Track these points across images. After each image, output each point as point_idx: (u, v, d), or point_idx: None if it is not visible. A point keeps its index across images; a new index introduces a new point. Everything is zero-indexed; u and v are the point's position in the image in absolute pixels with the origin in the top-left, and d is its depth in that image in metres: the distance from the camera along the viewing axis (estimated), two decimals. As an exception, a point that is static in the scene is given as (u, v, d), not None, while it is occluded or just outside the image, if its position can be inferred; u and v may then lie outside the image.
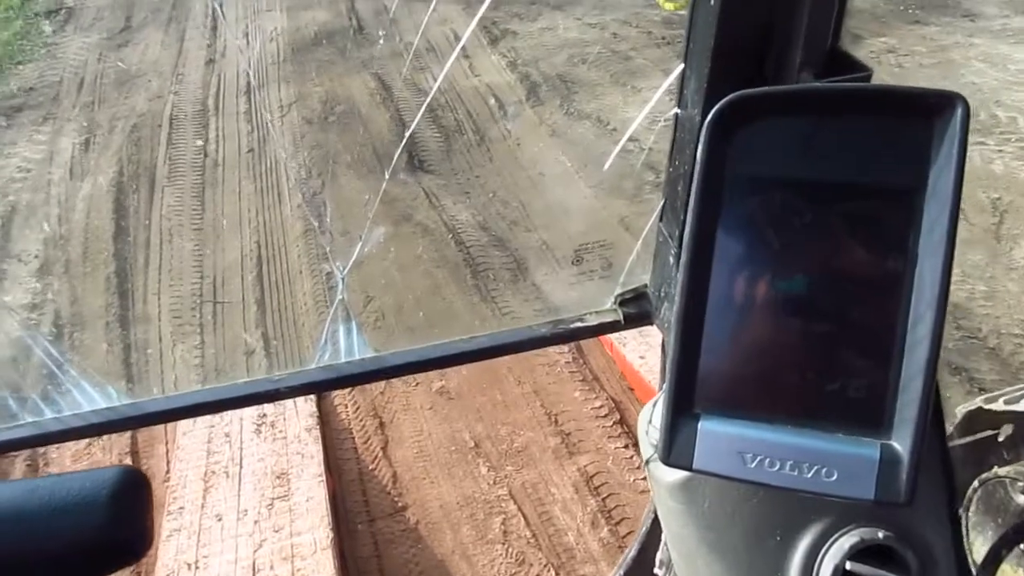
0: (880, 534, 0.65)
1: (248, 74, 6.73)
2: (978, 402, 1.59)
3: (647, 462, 0.81)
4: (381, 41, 7.15)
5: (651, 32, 7.01)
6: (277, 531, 2.91)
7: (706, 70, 0.80)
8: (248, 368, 3.93)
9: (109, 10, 8.03)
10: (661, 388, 1.03)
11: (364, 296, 4.23)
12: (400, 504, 3.23)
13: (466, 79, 6.47)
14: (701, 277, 0.58)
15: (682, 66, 0.87)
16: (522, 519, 3.15)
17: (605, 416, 3.54)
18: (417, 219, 4.85)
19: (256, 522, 2.95)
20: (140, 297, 4.40)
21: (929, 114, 0.56)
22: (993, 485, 1.39)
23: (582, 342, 3.89)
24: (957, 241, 0.54)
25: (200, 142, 5.80)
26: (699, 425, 0.58)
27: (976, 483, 1.40)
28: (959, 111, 0.54)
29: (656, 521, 1.35)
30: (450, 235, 4.72)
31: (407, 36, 7.25)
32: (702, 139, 0.58)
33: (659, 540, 1.23)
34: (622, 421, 3.51)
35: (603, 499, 3.22)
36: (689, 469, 0.58)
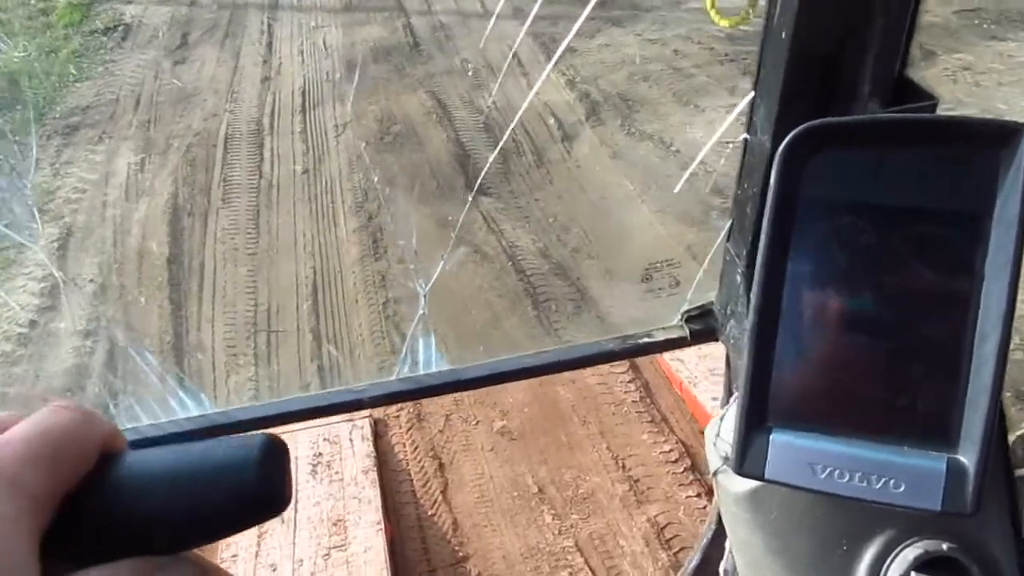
0: (944, 546, 0.66)
1: (303, 92, 6.66)
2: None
3: (715, 473, 0.84)
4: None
5: (713, 48, 6.81)
6: (334, 585, 2.78)
7: (776, 98, 0.84)
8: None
9: (166, 27, 8.03)
10: (724, 401, 1.14)
11: (422, 327, 4.10)
12: (461, 554, 3.08)
13: (523, 97, 6.33)
14: (774, 295, 0.61)
15: (752, 94, 0.91)
16: (590, 573, 2.98)
17: (675, 461, 3.35)
18: (475, 244, 4.71)
19: (312, 574, 2.82)
20: (194, 324, 4.31)
21: (995, 144, 0.57)
22: None
23: (650, 381, 3.71)
24: None
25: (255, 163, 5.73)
26: (771, 437, 0.60)
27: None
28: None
29: (717, 532, 1.41)
30: (510, 262, 4.57)
31: (464, 53, 7.13)
32: (776, 165, 0.60)
33: (721, 550, 1.28)
34: (693, 467, 3.32)
35: (675, 553, 3.03)
36: (761, 479, 0.60)
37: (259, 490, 0.41)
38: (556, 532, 3.12)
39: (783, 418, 0.61)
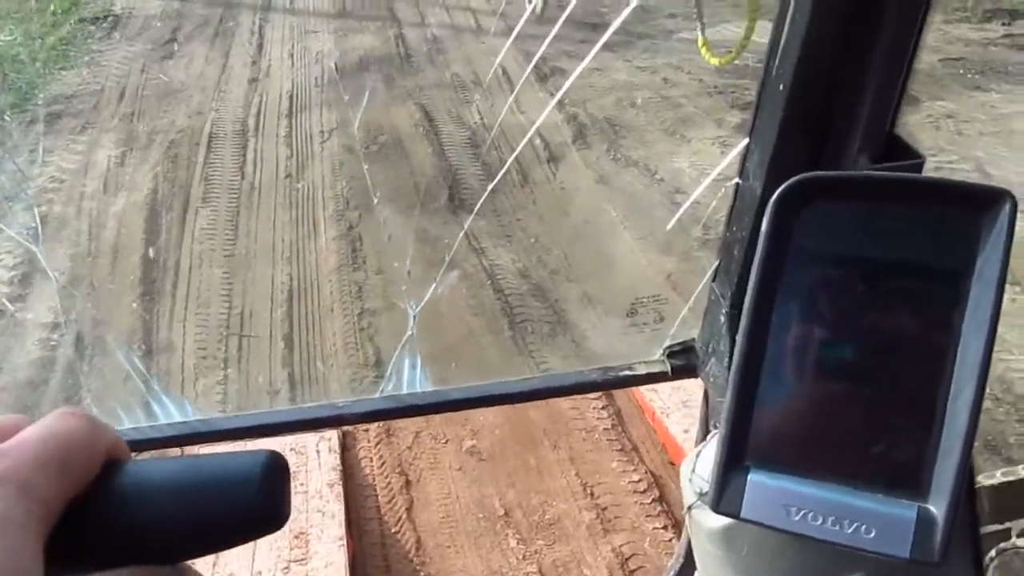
0: None
1: (291, 96, 6.62)
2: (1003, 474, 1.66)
3: (689, 508, 0.84)
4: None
5: (703, 79, 6.85)
6: (292, 599, 2.74)
7: (770, 148, 0.86)
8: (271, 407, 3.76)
9: (156, 20, 7.97)
10: (700, 438, 1.17)
11: (396, 341, 4.06)
12: (423, 574, 3.04)
13: (512, 116, 6.32)
14: (759, 337, 0.62)
15: (746, 140, 0.93)
16: (552, 602, 2.95)
17: (643, 492, 3.34)
18: (455, 261, 4.69)
19: (270, 587, 2.78)
20: (165, 323, 4.25)
21: (978, 206, 0.59)
22: (1011, 555, 1.44)
23: (623, 409, 3.69)
24: (1021, 326, 0.72)
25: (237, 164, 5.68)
26: (748, 477, 0.61)
27: (994, 552, 1.44)
28: (1006, 206, 0.58)
29: (684, 566, 1.40)
30: (488, 281, 4.55)
31: (454, 66, 7.13)
32: (768, 213, 0.62)
33: None
34: (661, 499, 3.31)
35: (639, 585, 3.02)
36: (737, 517, 0.61)
37: (260, 505, 0.42)
38: (520, 557, 3.09)
39: (761, 458, 0.62)
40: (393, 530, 3.20)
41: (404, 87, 6.77)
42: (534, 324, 4.26)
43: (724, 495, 0.62)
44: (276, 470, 0.42)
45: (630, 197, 5.32)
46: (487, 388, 1.24)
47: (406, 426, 3.59)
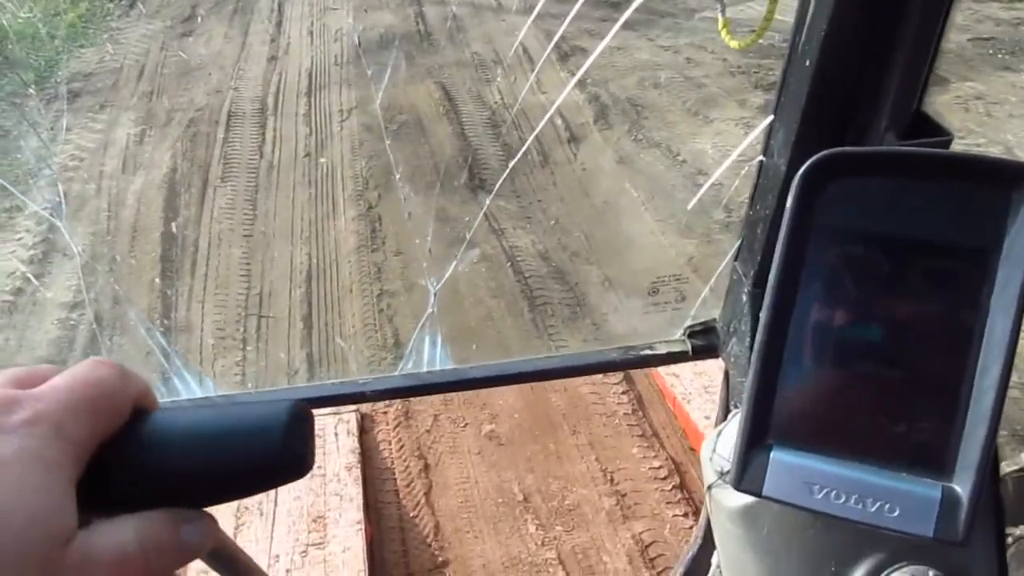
0: (930, 573, 0.67)
1: (310, 74, 6.57)
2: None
3: (709, 487, 0.84)
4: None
5: (726, 59, 6.75)
6: (310, 584, 2.72)
7: (795, 125, 0.85)
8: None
9: (175, -3, 7.94)
10: (720, 418, 1.17)
11: (415, 323, 4.03)
12: (441, 559, 3.02)
13: (533, 95, 6.26)
14: (783, 317, 0.62)
15: (771, 118, 0.92)
16: (570, 588, 2.92)
17: (664, 479, 3.30)
18: (474, 242, 4.65)
19: (288, 571, 2.76)
20: (184, 304, 4.24)
21: (1008, 183, 0.58)
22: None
23: (643, 394, 3.65)
24: None
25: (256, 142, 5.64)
26: (771, 455, 0.61)
27: (1010, 539, 1.37)
28: None
29: (702, 548, 1.42)
30: (508, 262, 4.51)
31: (474, 45, 7.06)
32: (793, 190, 0.61)
33: (705, 567, 1.29)
34: (682, 486, 3.27)
35: (658, 572, 2.98)
36: (759, 496, 0.61)
37: (285, 453, 0.43)
38: (539, 543, 3.07)
39: (784, 436, 0.62)
40: (411, 514, 3.18)
41: (424, 66, 6.72)
42: (554, 307, 4.22)
43: (746, 473, 0.62)
44: (300, 420, 0.43)
45: (651, 178, 5.26)
46: (506, 367, 1.25)
47: (425, 409, 3.57)
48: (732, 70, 6.60)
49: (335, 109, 6.06)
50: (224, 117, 5.93)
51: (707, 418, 3.35)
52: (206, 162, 5.39)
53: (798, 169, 0.61)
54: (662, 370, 3.61)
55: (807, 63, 0.82)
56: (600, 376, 3.71)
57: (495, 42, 7.09)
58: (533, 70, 6.62)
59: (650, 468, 3.35)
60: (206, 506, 0.44)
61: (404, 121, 5.87)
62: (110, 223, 4.79)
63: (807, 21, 0.82)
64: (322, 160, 5.40)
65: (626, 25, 7.36)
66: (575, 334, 4.05)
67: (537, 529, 3.12)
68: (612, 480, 3.30)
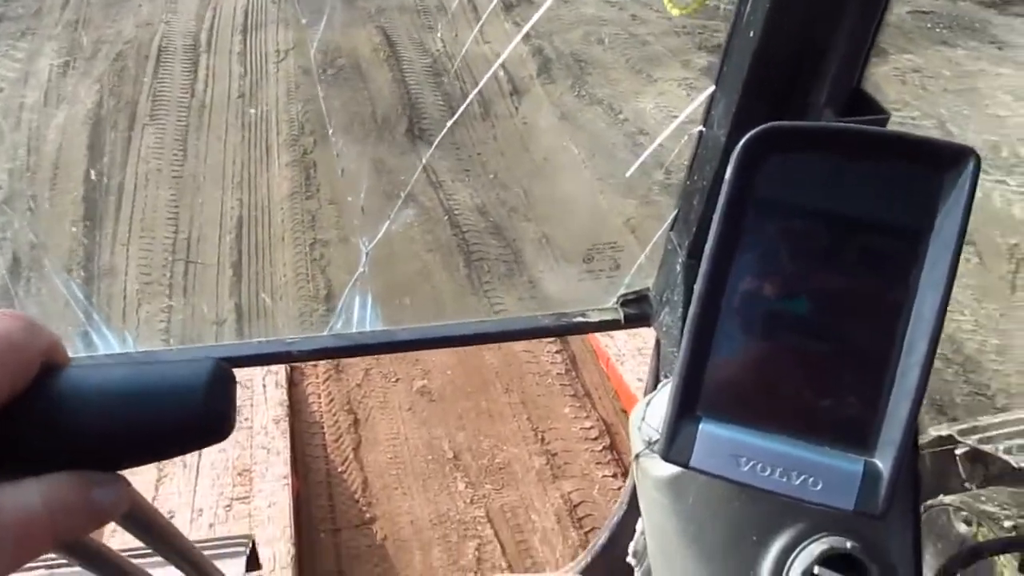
0: (848, 544, 0.69)
1: (246, 12, 6.35)
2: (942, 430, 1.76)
3: (636, 456, 0.84)
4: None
5: (671, 19, 6.70)
6: (233, 539, 2.66)
7: (736, 96, 0.85)
8: (216, 340, 3.66)
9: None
10: (651, 387, 1.19)
11: (348, 275, 3.95)
12: (368, 515, 2.99)
13: (476, 46, 6.15)
14: (717, 288, 0.62)
15: (712, 88, 0.91)
16: (498, 546, 2.92)
17: (595, 439, 3.31)
18: (411, 194, 4.56)
19: (211, 525, 2.70)
20: (108, 246, 4.08)
21: (942, 163, 0.59)
22: (937, 512, 1.48)
23: (577, 355, 3.65)
24: (974, 287, 0.77)
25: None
26: (699, 427, 0.62)
27: (921, 508, 1.45)
28: (970, 165, 0.58)
29: (628, 513, 1.47)
30: (445, 216, 4.44)
31: (418, -10, 6.89)
32: (732, 161, 0.61)
33: (630, 532, 1.31)
34: (612, 447, 3.28)
35: (586, 532, 3.00)
36: (686, 467, 0.62)
37: (206, 413, 0.41)
38: (468, 501, 3.06)
39: (713, 408, 0.62)
40: (339, 470, 3.14)
41: (365, 9, 6.53)
42: (490, 263, 4.18)
43: (674, 444, 0.62)
44: (223, 379, 0.42)
45: (593, 136, 5.22)
46: (438, 330, 1.24)
47: (356, 363, 3.51)
48: (677, 30, 6.56)
49: (271, 49, 5.87)
50: (154, 52, 5.70)
51: (640, 380, 3.36)
52: (134, 99, 5.18)
53: (738, 141, 0.61)
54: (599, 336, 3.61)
55: (751, 34, 0.82)
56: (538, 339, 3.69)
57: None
58: (478, 20, 6.49)
59: (581, 428, 3.35)
60: (121, 468, 0.42)
61: (342, 66, 5.71)
62: (29, 159, 4.58)
63: None
64: (251, 111, 5.22)
65: (573, -23, 7.27)
66: (511, 291, 4.02)
67: (466, 487, 3.10)
68: (543, 440, 3.30)
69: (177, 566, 0.81)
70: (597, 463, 3.23)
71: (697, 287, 0.62)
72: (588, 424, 3.37)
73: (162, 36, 5.90)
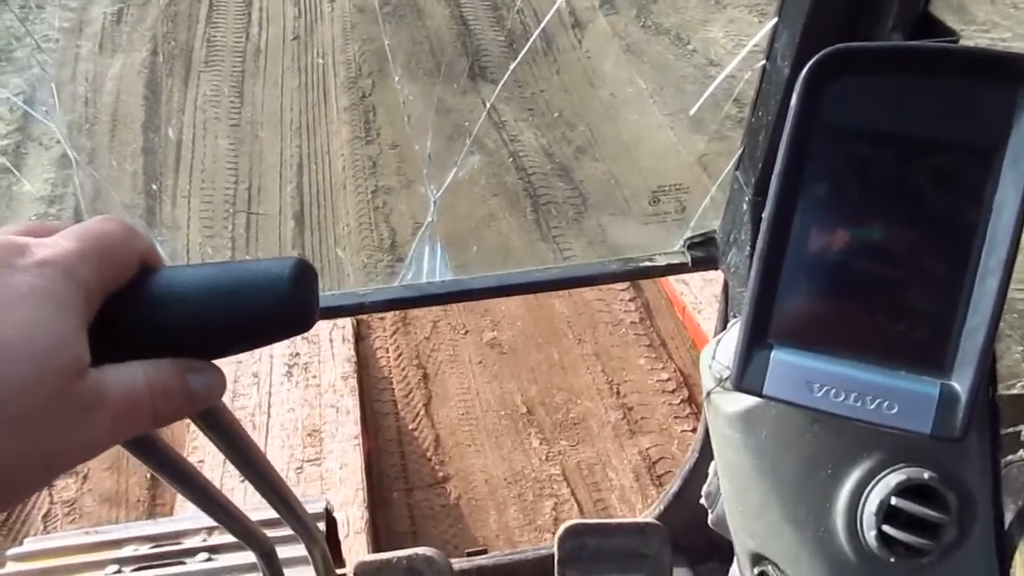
0: (925, 474, 0.68)
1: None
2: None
3: (708, 394, 0.83)
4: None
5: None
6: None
7: (799, 26, 0.83)
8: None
9: None
10: (720, 328, 1.20)
11: (412, 222, 3.84)
12: (441, 474, 2.92)
13: (535, -24, 5.90)
14: (786, 217, 0.61)
15: (775, 20, 0.89)
16: (575, 505, 2.84)
17: (672, 392, 3.18)
18: (475, 135, 4.41)
19: (283, 488, 2.65)
20: (169, 198, 4.02)
21: (1013, 78, 0.57)
22: (1018, 468, 1.41)
23: (651, 302, 3.51)
24: None
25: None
26: (772, 355, 0.62)
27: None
28: None
29: (700, 458, 1.48)
30: (510, 158, 4.28)
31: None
32: (798, 87, 0.60)
33: (703, 476, 1.29)
34: (690, 399, 3.16)
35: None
36: (759, 395, 0.62)
37: (291, 304, 0.43)
38: (543, 458, 2.97)
39: (784, 337, 0.62)
40: (410, 427, 3.06)
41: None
42: (558, 206, 4.02)
43: (747, 372, 0.62)
44: (305, 272, 0.44)
45: (660, 69, 4.98)
46: (506, 278, 1.24)
47: (423, 316, 3.42)
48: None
49: (325, -12, 5.70)
50: (207, -5, 5.57)
51: (718, 329, 3.22)
52: (188, 45, 5.06)
53: (802, 73, 0.60)
54: (671, 278, 3.45)
55: None
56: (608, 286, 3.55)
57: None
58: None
59: (658, 380, 3.23)
60: (214, 358, 0.45)
61: (399, 3, 5.52)
62: (87, 111, 4.52)
63: None
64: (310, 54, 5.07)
65: (634, -101, 6.92)
66: (580, 236, 3.87)
67: (541, 443, 3.01)
68: (618, 393, 3.18)
69: (252, 481, 0.85)
70: (675, 417, 3.11)
71: (765, 215, 0.61)
72: (665, 376, 3.24)
73: (214, -23, 5.77)
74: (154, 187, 4.06)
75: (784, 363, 0.62)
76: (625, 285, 3.53)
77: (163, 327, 0.43)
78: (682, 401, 3.14)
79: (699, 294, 3.37)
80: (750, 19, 5.46)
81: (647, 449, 2.98)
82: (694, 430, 3.06)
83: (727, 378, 0.80)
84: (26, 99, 4.54)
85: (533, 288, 1.28)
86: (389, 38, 5.14)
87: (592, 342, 3.35)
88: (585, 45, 5.20)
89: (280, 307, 0.43)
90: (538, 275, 1.25)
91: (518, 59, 4.72)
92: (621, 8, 5.55)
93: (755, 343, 0.62)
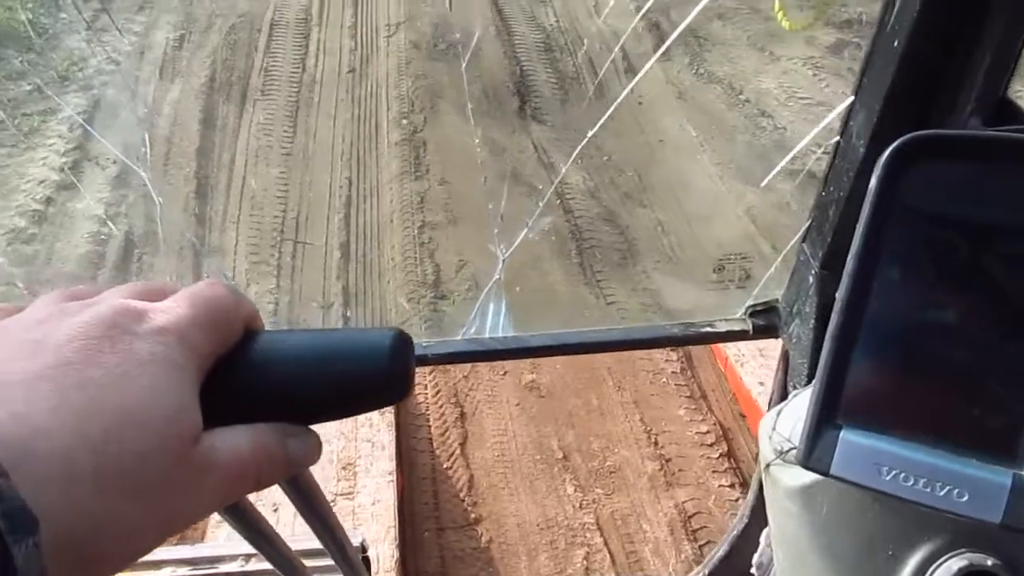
0: (989, 561, 0.66)
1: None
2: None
3: (767, 465, 0.83)
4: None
5: (796, -10, 6.36)
6: (337, 537, 2.60)
7: (877, 107, 0.84)
8: (323, 323, 3.60)
9: None
10: (778, 398, 1.18)
11: (457, 259, 3.85)
12: (473, 516, 2.89)
13: (589, 20, 5.94)
14: (860, 297, 0.61)
15: (851, 99, 0.90)
16: (608, 556, 2.79)
17: (711, 445, 3.13)
18: (524, 175, 4.42)
19: (315, 521, 2.64)
20: (218, 224, 4.07)
21: None
22: None
23: (693, 352, 3.47)
24: None
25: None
26: (840, 434, 0.61)
27: None
28: None
29: (750, 524, 1.44)
30: (557, 200, 4.29)
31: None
32: (878, 170, 0.61)
33: (753, 544, 1.31)
34: (729, 454, 3.10)
35: (700, 545, 2.84)
36: (826, 474, 0.61)
37: (390, 374, 0.44)
38: (577, 505, 2.93)
39: (854, 417, 0.62)
40: (445, 466, 3.04)
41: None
42: (604, 251, 4.01)
43: (815, 451, 0.62)
44: (404, 344, 0.45)
45: (712, 117, 4.98)
46: (567, 336, 1.25)
47: (463, 354, 3.40)
48: (801, 4, 6.21)
49: (382, 23, 5.78)
50: (266, 25, 5.67)
51: (761, 384, 3.17)
52: (246, 73, 5.16)
53: (878, 152, 0.61)
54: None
55: (895, 43, 0.80)
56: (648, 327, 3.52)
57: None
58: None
59: (697, 432, 3.18)
60: (311, 423, 0.46)
61: (454, 40, 5.59)
62: (144, 133, 4.61)
63: (898, 2, 0.80)
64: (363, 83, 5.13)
65: (692, -52, 6.96)
66: (624, 282, 3.85)
67: (575, 490, 2.97)
68: (656, 443, 3.14)
69: (304, 513, 0.81)
70: (713, 471, 3.05)
71: (840, 294, 0.62)
72: (704, 428, 3.19)
73: (275, 9, 5.88)
74: (205, 211, 4.11)
75: (853, 444, 0.61)
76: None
77: (266, 392, 0.45)
78: (721, 455, 3.09)
79: (742, 347, 3.32)
80: (804, 71, 5.45)
81: (683, 502, 2.93)
82: (732, 485, 3.01)
83: (788, 451, 0.81)
84: (86, 119, 4.64)
85: (593, 348, 1.29)
86: (442, 75, 5.19)
87: (632, 389, 3.31)
88: (637, 90, 5.21)
89: (379, 377, 0.44)
90: (598, 335, 1.26)
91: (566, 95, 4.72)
92: (675, 55, 5.56)
93: (824, 422, 0.62)
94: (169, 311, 0.42)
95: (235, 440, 0.42)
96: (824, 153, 1.01)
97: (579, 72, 5.30)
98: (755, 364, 3.26)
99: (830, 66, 5.51)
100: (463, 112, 4.89)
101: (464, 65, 5.29)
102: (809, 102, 5.17)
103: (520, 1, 6.12)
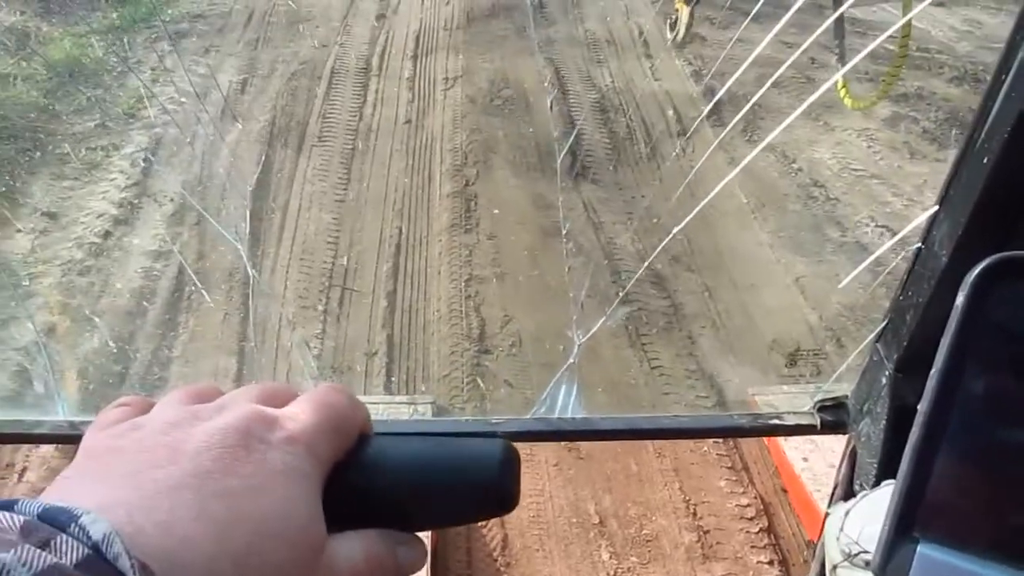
0: None
1: (417, 37, 6.39)
2: None
3: (834, 567, 0.83)
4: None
5: (855, 64, 6.37)
6: (369, 591, 2.58)
7: (963, 220, 0.85)
8: (367, 371, 3.61)
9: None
10: (843, 495, 1.16)
11: (502, 314, 3.85)
12: (506, 577, 2.85)
13: (644, 81, 5.99)
14: (943, 412, 0.60)
15: (936, 208, 0.92)
16: (640, 630, 2.73)
17: (751, 519, 3.07)
18: (571, 233, 4.43)
19: (348, 573, 2.62)
20: (268, 267, 4.12)
21: None
22: None
23: (737, 422, 3.42)
24: None
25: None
26: (918, 548, 0.60)
27: None
28: None
29: None
30: (605, 260, 4.29)
31: (588, 22, 6.80)
32: (966, 289, 0.60)
33: None
34: (769, 530, 3.04)
35: (736, 624, 2.78)
36: None
37: (498, 487, 0.45)
38: (611, 573, 2.88)
39: (932, 532, 0.60)
40: (479, 524, 3.01)
41: (535, 39, 6.48)
42: (649, 314, 3.99)
43: (890, 563, 0.61)
44: (512, 459, 0.46)
45: (764, 185, 4.97)
46: (637, 422, 1.25)
47: (504, 410, 3.40)
48: (859, 76, 6.21)
49: (439, 76, 5.87)
50: (327, 73, 5.79)
51: (804, 460, 3.11)
52: (304, 119, 5.26)
53: (960, 263, 0.63)
54: (759, 399, 3.37)
55: (984, 160, 0.80)
56: (692, 397, 3.49)
57: (610, 21, 6.81)
58: (648, 56, 6.33)
59: (737, 505, 3.12)
60: (416, 531, 0.46)
61: (509, 96, 5.66)
62: (202, 173, 4.70)
63: (991, 117, 0.79)
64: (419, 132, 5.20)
65: (749, 15, 7.01)
66: (668, 347, 3.82)
67: (611, 557, 2.93)
68: (695, 513, 3.09)
69: None
70: (752, 546, 2.99)
71: (922, 407, 0.61)
72: (744, 501, 3.13)
73: (336, 58, 6.00)
74: (256, 253, 4.16)
75: (930, 559, 0.60)
76: (712, 403, 3.46)
77: (378, 499, 0.45)
78: (760, 531, 3.03)
79: (787, 420, 3.27)
80: (858, 143, 5.44)
81: (720, 578, 2.87)
82: (770, 563, 2.95)
83: (856, 554, 0.80)
84: (147, 156, 4.74)
85: (661, 435, 1.36)
86: (496, 130, 5.25)
87: (672, 457, 3.27)
88: (689, 154, 5.22)
89: (489, 489, 0.45)
90: (666, 422, 1.28)
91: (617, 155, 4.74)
92: (728, 120, 5.58)
93: (901, 534, 0.61)
94: (296, 419, 0.43)
95: (350, 547, 0.43)
96: (894, 253, 1.02)
97: (632, 132, 5.32)
98: (799, 439, 3.21)
99: (885, 139, 5.49)
100: (515, 167, 4.93)
101: (519, 122, 5.35)
102: (863, 174, 5.15)
103: (576, 61, 6.19)
